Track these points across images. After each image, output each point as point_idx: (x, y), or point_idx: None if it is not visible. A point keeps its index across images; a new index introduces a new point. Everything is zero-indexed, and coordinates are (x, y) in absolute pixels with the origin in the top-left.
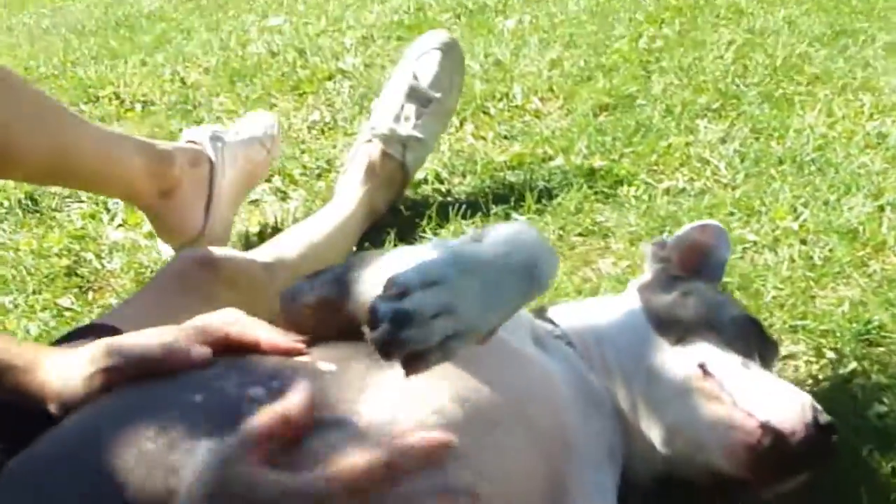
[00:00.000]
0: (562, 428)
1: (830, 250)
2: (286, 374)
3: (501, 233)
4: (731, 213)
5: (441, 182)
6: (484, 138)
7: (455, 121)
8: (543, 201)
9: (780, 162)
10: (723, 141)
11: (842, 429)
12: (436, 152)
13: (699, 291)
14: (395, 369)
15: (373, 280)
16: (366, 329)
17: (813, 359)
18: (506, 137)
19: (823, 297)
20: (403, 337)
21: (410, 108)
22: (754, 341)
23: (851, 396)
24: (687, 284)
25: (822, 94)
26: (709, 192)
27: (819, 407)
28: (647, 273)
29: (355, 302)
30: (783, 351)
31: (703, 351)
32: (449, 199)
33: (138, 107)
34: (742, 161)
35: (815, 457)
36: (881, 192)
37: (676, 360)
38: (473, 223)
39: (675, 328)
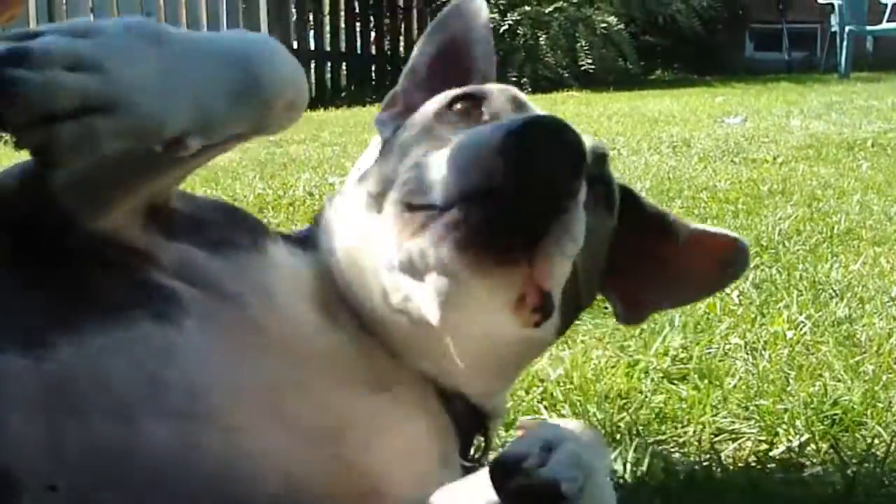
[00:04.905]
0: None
1: (823, 354)
2: None
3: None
4: (720, 320)
5: None
6: None
7: None
8: None
9: (800, 292)
10: (744, 278)
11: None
12: None
13: None
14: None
15: None
16: None
17: (763, 437)
18: None
19: (797, 388)
20: (13, 76)
21: None
22: None
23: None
24: None
25: (871, 251)
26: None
27: None
28: None
29: None
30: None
31: None
32: None
33: None
34: (757, 288)
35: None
36: None
37: None
38: None
39: None
